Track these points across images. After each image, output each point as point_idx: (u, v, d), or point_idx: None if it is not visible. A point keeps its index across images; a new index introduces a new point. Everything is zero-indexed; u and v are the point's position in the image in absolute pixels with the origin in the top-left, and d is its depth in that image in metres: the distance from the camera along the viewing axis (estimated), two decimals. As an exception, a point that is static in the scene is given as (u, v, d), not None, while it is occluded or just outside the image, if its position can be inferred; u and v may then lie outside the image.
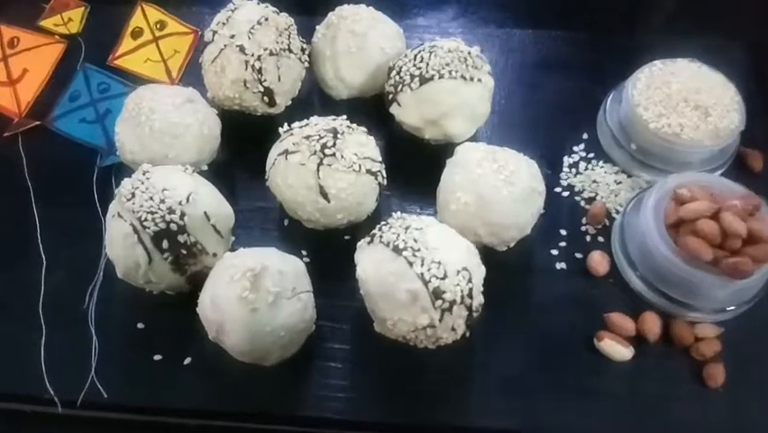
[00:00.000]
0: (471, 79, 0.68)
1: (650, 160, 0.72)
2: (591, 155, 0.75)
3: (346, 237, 0.68)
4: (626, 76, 0.74)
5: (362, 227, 0.65)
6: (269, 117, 0.73)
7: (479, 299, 0.58)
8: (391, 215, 0.61)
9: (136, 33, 0.85)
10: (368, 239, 0.60)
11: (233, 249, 0.63)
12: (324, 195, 0.63)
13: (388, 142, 0.74)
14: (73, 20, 0.87)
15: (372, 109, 0.75)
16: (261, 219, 0.71)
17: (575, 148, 0.76)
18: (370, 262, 0.58)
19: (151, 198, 0.58)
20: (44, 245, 0.69)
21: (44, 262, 0.68)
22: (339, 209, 0.64)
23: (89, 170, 0.73)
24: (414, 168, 0.72)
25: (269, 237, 0.70)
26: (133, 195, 0.59)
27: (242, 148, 0.74)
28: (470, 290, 0.56)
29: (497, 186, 0.61)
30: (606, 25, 0.84)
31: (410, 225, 0.58)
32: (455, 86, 0.67)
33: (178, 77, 0.82)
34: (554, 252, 0.69)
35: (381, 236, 0.58)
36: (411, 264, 0.55)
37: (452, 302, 0.55)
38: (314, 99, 0.78)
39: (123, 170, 0.70)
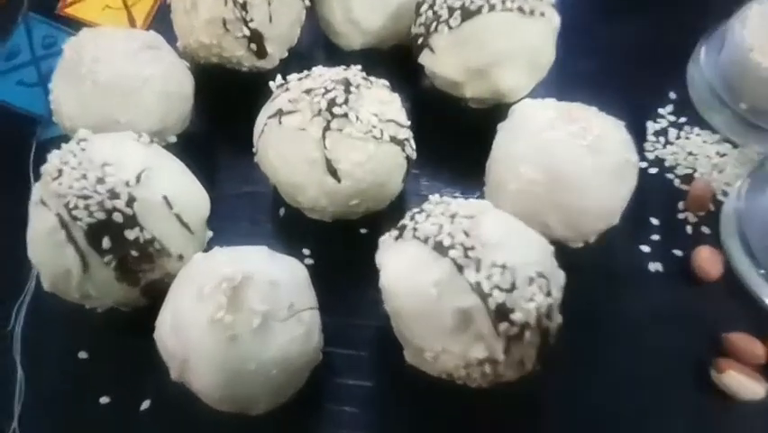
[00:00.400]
0: (532, 13, 0.52)
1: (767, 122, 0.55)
2: (683, 120, 0.60)
3: (362, 231, 0.54)
4: (723, 16, 0.59)
5: (383, 218, 0.51)
6: (258, 73, 0.58)
7: (557, 320, 0.41)
8: (426, 199, 0.46)
9: (94, -27, 0.69)
10: (395, 233, 0.44)
11: (209, 249, 0.46)
12: (333, 172, 0.47)
13: (416, 104, 0.59)
14: (16, -40, 0.70)
15: (393, 64, 0.60)
16: (250, 208, 0.56)
17: (661, 111, 0.60)
18: (401, 265, 0.42)
19: (84, 177, 0.42)
20: (-42, 244, 0.54)
21: (-43, 267, 0.53)
22: (353, 192, 0.48)
23: (25, 145, 0.59)
24: (450, 137, 0.57)
25: (260, 232, 0.55)
26: (60, 172, 0.42)
27: (224, 114, 0.59)
28: (549, 306, 0.40)
29: (578, 155, 0.45)
30: None
31: (457, 212, 0.42)
32: (511, 21, 0.51)
33: (143, 28, 0.66)
34: (645, 248, 0.54)
35: (416, 229, 0.42)
36: (461, 269, 0.39)
37: (524, 326, 0.39)
38: (317, 50, 0.63)
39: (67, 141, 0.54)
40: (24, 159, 0.58)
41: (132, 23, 0.66)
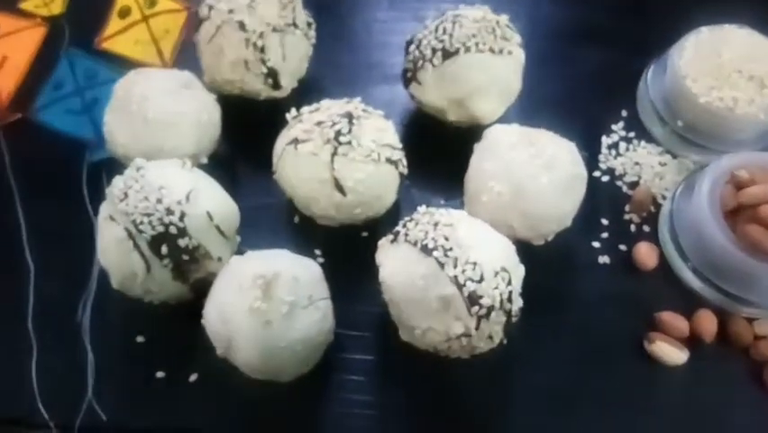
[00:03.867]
0: (501, 52, 0.61)
1: (699, 138, 0.65)
2: (632, 134, 0.69)
3: (364, 234, 0.62)
4: (666, 45, 0.67)
5: (381, 223, 0.60)
6: (273, 102, 0.66)
7: (518, 303, 0.51)
8: (416, 208, 0.55)
9: (124, 12, 0.78)
10: (391, 237, 0.54)
11: (239, 251, 0.57)
12: (340, 188, 0.56)
13: (407, 125, 0.68)
14: (55, 0, 0.79)
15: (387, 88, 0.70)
16: (269, 217, 0.64)
17: (614, 127, 0.69)
18: (395, 263, 0.52)
19: (147, 198, 0.51)
20: (31, 251, 0.62)
21: (31, 270, 0.61)
22: (357, 204, 0.58)
23: (78, 167, 0.67)
24: (436, 154, 0.65)
25: (279, 237, 0.63)
26: (126, 195, 0.52)
27: (245, 137, 0.67)
28: (510, 293, 0.50)
29: (534, 172, 0.54)
30: None
31: (439, 220, 0.52)
32: (484, 60, 0.60)
33: (172, 59, 0.75)
34: (596, 244, 0.62)
35: (407, 234, 0.52)
36: (443, 266, 0.49)
37: (490, 308, 0.49)
38: (321, 80, 0.71)
39: (114, 165, 0.63)
40: (77, 178, 0.65)
41: (160, 56, 0.74)
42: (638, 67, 0.70)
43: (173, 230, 0.52)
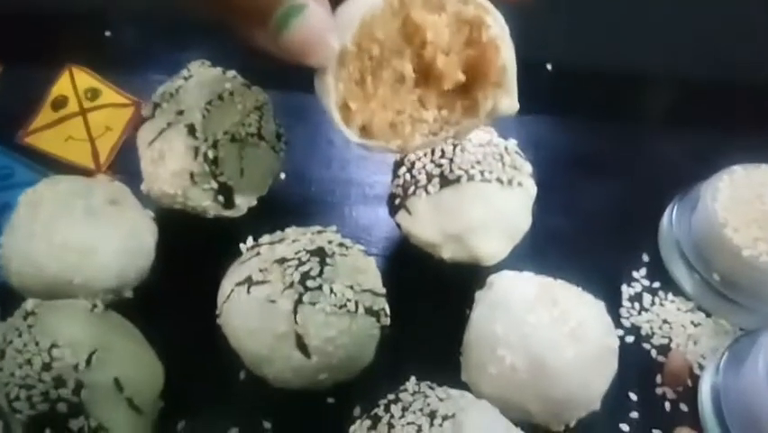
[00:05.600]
0: (510, 183, 0.50)
1: (740, 296, 0.54)
2: (656, 284, 0.58)
3: (330, 400, 0.49)
4: (689, 179, 0.60)
5: (352, 386, 0.48)
6: (225, 222, 0.54)
7: None
8: (398, 368, 0.44)
9: (58, 103, 0.66)
10: (368, 422, 0.40)
11: (161, 418, 0.42)
12: (303, 348, 0.43)
13: (389, 256, 0.57)
14: (-23, 84, 0.67)
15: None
16: (207, 369, 0.50)
17: (635, 274, 0.58)
18: None
19: (29, 362, 0.37)
20: None
21: None
22: (322, 367, 0.44)
23: None
24: (425, 294, 0.54)
25: (218, 399, 0.49)
26: (3, 354, 0.37)
27: (185, 264, 0.53)
28: None
29: (558, 343, 0.42)
30: (656, 114, 0.70)
31: (437, 409, 0.38)
32: (489, 191, 0.50)
33: (108, 162, 0.62)
34: (625, 427, 0.50)
35: (392, 425, 0.38)
36: None
37: None
38: (288, 198, 0.59)
39: (12, 293, 0.48)
40: None
41: (95, 156, 0.62)
42: (661, 202, 0.61)
43: (62, 408, 0.37)
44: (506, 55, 0.34)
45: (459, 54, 0.34)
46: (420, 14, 0.32)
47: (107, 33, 0.71)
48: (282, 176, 0.58)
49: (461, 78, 0.34)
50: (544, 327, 0.43)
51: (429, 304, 0.53)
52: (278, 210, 0.57)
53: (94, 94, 0.67)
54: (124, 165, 0.61)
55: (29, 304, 0.41)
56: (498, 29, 0.33)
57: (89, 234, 0.45)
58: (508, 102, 0.35)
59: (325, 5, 0.31)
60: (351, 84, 0.33)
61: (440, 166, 0.50)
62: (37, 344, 0.38)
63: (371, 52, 0.33)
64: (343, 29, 0.32)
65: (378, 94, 0.33)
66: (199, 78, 0.53)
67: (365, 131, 0.34)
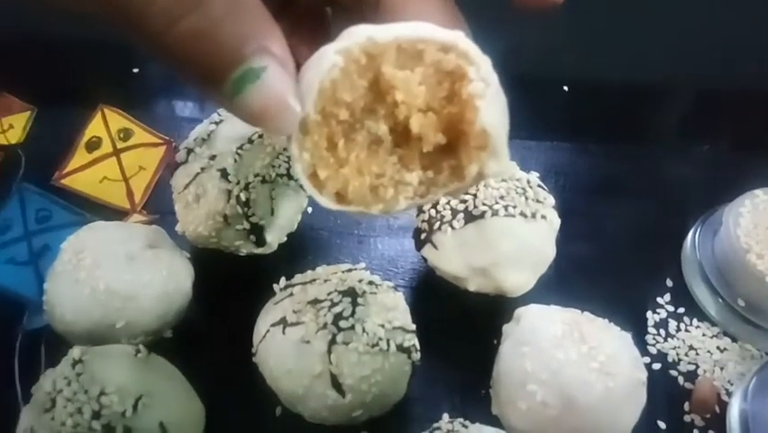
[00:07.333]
0: (533, 216, 0.51)
1: (767, 322, 0.54)
2: (681, 310, 0.58)
3: None
4: (710, 201, 0.61)
5: (385, 419, 0.49)
6: (257, 258, 0.55)
7: None
8: (429, 400, 0.46)
9: (92, 144, 0.68)
10: None
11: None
12: (338, 387, 0.44)
13: (415, 288, 0.58)
14: (14, 127, 0.69)
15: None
16: (243, 405, 0.51)
17: (659, 300, 0.59)
18: None
19: (80, 411, 0.38)
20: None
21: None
22: (357, 405, 0.46)
23: (11, 334, 0.54)
24: (452, 325, 0.55)
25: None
26: (54, 402, 0.39)
27: (219, 300, 0.55)
28: None
29: (588, 379, 0.43)
30: (674, 135, 0.71)
31: None
32: (513, 225, 0.51)
33: (142, 201, 0.64)
34: None
35: None
36: None
37: None
38: (317, 231, 0.61)
39: (57, 339, 0.50)
40: (7, 350, 0.53)
41: (130, 196, 0.64)
42: (680, 223, 0.62)
43: (111, 454, 0.38)
44: (487, 116, 0.27)
45: (439, 112, 0.28)
46: (390, 71, 0.28)
47: (135, 70, 0.73)
48: (309, 210, 0.60)
49: (441, 140, 0.28)
50: (573, 364, 0.43)
51: (457, 335, 0.54)
52: (308, 245, 0.59)
53: (126, 134, 0.69)
54: (159, 204, 0.63)
55: (75, 352, 0.42)
56: (479, 84, 0.27)
57: (131, 280, 0.47)
58: (496, 166, 0.28)
59: (288, 65, 0.27)
60: (320, 151, 0.28)
61: (464, 202, 0.51)
62: (86, 392, 0.39)
63: (339, 117, 0.28)
64: (305, 95, 0.27)
65: (351, 159, 0.29)
66: (230, 122, 0.55)
67: (341, 197, 0.29)
